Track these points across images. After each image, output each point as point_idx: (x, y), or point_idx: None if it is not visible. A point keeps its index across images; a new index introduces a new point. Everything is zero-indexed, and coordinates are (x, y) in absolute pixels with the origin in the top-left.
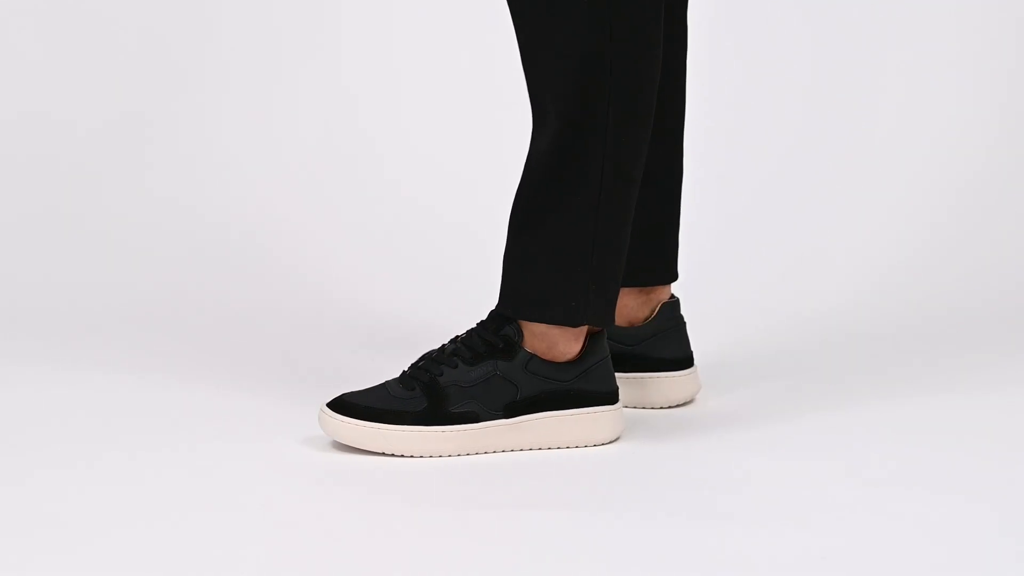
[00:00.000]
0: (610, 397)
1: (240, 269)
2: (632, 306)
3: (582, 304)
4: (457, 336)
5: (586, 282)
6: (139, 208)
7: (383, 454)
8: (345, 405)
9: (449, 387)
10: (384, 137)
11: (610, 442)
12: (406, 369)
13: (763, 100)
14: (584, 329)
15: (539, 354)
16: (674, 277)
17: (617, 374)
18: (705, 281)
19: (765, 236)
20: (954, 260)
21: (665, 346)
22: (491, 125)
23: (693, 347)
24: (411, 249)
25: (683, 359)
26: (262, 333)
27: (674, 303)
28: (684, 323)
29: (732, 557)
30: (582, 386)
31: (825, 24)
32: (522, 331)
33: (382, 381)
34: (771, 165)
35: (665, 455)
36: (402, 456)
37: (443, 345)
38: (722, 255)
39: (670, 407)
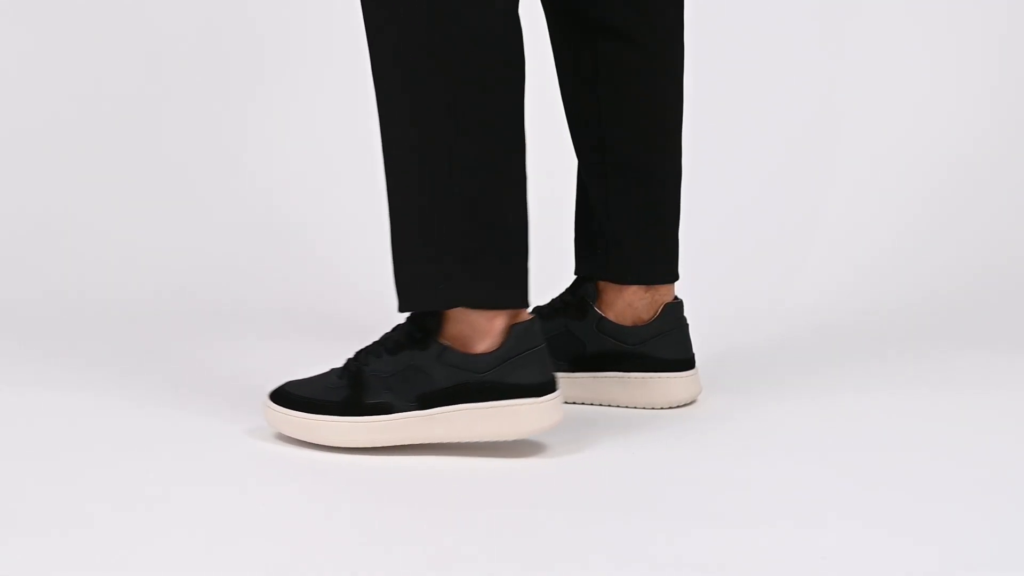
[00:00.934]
0: (535, 390)
1: (240, 270)
2: (638, 306)
3: (449, 287)
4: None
5: (452, 263)
6: (138, 207)
7: (311, 443)
8: (281, 394)
9: (370, 377)
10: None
11: (533, 437)
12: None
13: (754, 101)
14: (501, 320)
15: (455, 344)
16: (675, 277)
17: (619, 374)
18: (701, 282)
19: (762, 238)
20: (956, 259)
21: (667, 346)
22: None
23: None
24: None
25: (684, 360)
26: (269, 332)
27: (677, 304)
28: (687, 324)
29: (733, 557)
30: (501, 378)
31: (816, 24)
32: (441, 322)
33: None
34: (769, 165)
35: (664, 455)
36: (323, 446)
37: (385, 333)
38: (719, 256)
39: (670, 407)
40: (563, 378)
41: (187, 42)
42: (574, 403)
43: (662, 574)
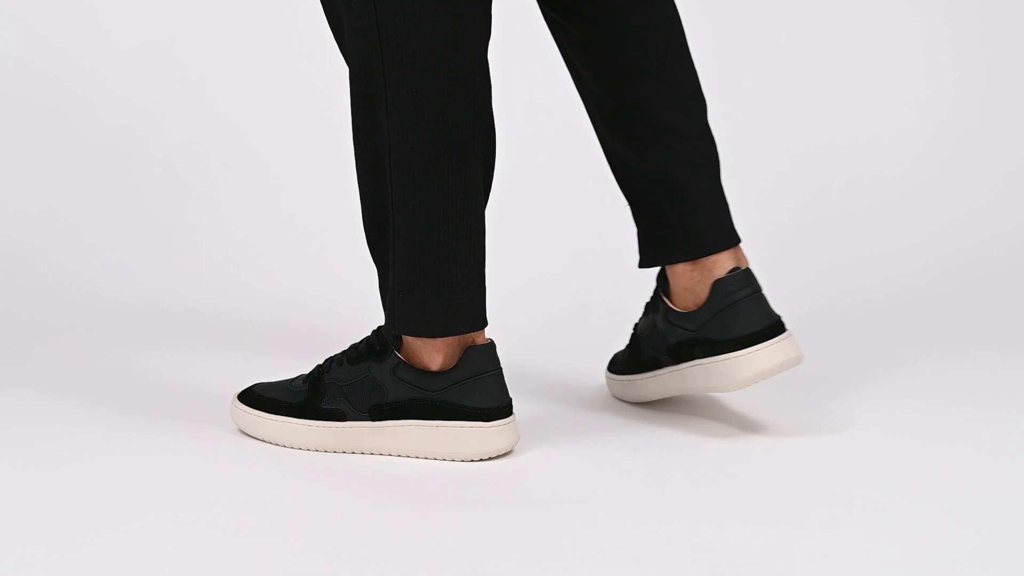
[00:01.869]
0: (484, 414)
1: (243, 269)
2: (692, 286)
3: (392, 313)
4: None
5: (395, 288)
6: (137, 211)
7: (267, 442)
8: (247, 393)
9: (330, 384)
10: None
11: (480, 460)
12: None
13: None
14: (449, 341)
15: (411, 360)
16: (716, 245)
17: (698, 361)
18: None
19: (767, 233)
20: (955, 261)
21: (723, 327)
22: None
23: None
24: None
25: (744, 337)
26: (269, 331)
27: (730, 279)
28: (746, 295)
29: (735, 555)
30: (452, 399)
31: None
32: (401, 337)
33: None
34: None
35: (667, 453)
36: (277, 444)
37: (354, 343)
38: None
39: (743, 388)
40: (662, 374)
41: (187, 41)
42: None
43: (662, 573)
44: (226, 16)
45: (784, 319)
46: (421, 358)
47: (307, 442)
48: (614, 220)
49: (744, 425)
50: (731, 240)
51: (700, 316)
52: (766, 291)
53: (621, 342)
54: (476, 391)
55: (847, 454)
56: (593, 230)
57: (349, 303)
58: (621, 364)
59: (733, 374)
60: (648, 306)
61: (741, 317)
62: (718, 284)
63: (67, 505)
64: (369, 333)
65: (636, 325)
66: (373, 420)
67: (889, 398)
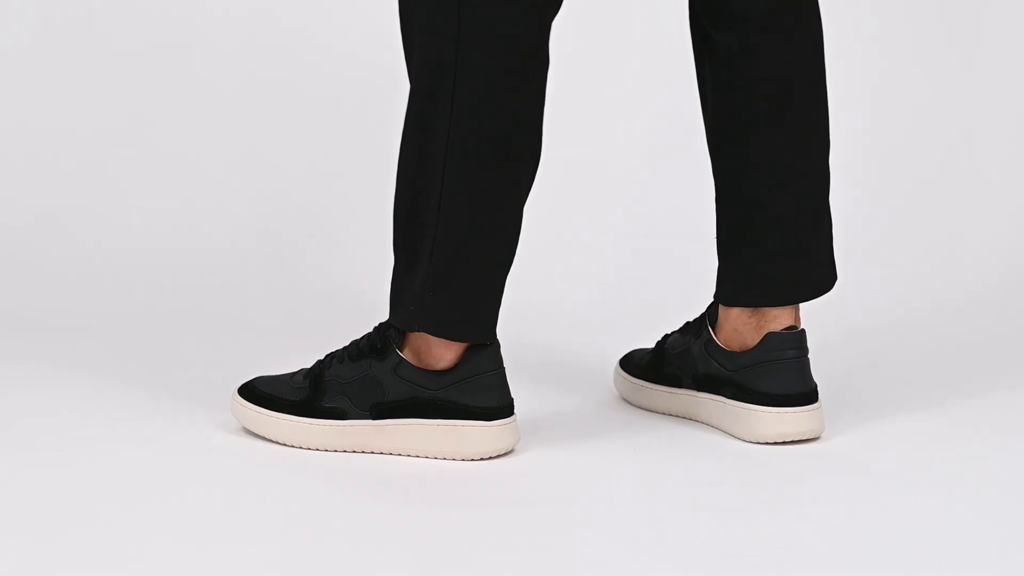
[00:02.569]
0: (485, 413)
1: (243, 269)
2: (743, 331)
3: (417, 310)
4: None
5: (424, 288)
6: (136, 209)
7: (267, 439)
8: (247, 388)
9: (330, 381)
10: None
11: (480, 459)
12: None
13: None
14: (461, 345)
15: (412, 360)
16: (782, 300)
17: (719, 398)
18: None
19: None
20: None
21: (761, 378)
22: None
23: None
24: None
25: (778, 396)
26: (268, 332)
27: (783, 335)
28: (795, 357)
29: (736, 554)
30: (454, 397)
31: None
32: (404, 334)
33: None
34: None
35: (668, 452)
36: (277, 443)
37: (355, 339)
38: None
39: (757, 443)
40: (679, 394)
41: (186, 40)
42: (691, 419)
43: (661, 572)
44: (226, 16)
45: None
46: (429, 356)
47: (308, 441)
48: (622, 225)
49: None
50: (814, 293)
51: (741, 360)
52: None
53: (621, 344)
54: (478, 390)
55: (847, 453)
56: (595, 230)
57: (350, 297)
58: (637, 367)
59: (753, 427)
60: (688, 327)
61: (781, 375)
62: (771, 337)
63: (67, 505)
64: (371, 329)
65: (667, 337)
66: (374, 419)
67: (890, 396)
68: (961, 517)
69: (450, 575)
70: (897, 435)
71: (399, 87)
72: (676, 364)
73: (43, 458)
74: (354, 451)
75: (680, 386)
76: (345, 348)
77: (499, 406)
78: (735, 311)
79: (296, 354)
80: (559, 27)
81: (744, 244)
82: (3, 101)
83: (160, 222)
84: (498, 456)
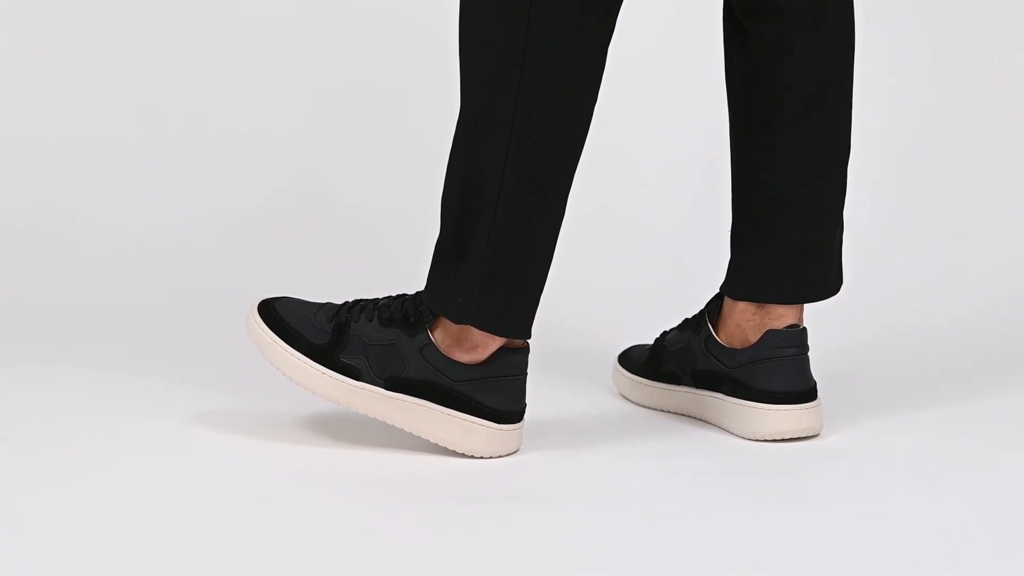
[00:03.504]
0: (497, 415)
1: (242, 266)
2: (746, 327)
3: (466, 302)
4: (403, 294)
5: (476, 281)
6: (135, 208)
7: (276, 368)
8: (267, 308)
9: (354, 337)
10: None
11: (480, 457)
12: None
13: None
14: (494, 339)
15: (443, 344)
16: (789, 298)
17: (718, 395)
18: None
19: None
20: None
21: (760, 375)
22: None
23: None
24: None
25: (778, 393)
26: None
27: (785, 333)
28: (796, 355)
29: (738, 551)
30: (471, 392)
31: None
32: (437, 316)
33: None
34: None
35: (669, 448)
36: (282, 374)
37: (388, 296)
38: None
39: (756, 440)
40: (678, 391)
41: (185, 40)
42: (693, 416)
43: (664, 570)
44: (226, 15)
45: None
46: (466, 345)
47: (316, 388)
48: (626, 220)
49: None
50: (823, 295)
51: (741, 357)
52: None
53: (622, 339)
54: (497, 390)
55: (848, 451)
56: (598, 226)
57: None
58: (636, 363)
59: (753, 424)
60: (687, 323)
61: (781, 372)
62: (772, 335)
63: (67, 505)
64: (406, 294)
65: (665, 334)
66: (387, 390)
67: (892, 394)
68: (962, 516)
69: (449, 574)
70: (898, 434)
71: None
72: (675, 361)
73: (43, 458)
74: (358, 412)
75: (679, 383)
76: (375, 304)
77: (512, 411)
78: (741, 306)
79: None
80: None
81: (762, 240)
82: (3, 101)
83: (161, 222)
84: (498, 457)
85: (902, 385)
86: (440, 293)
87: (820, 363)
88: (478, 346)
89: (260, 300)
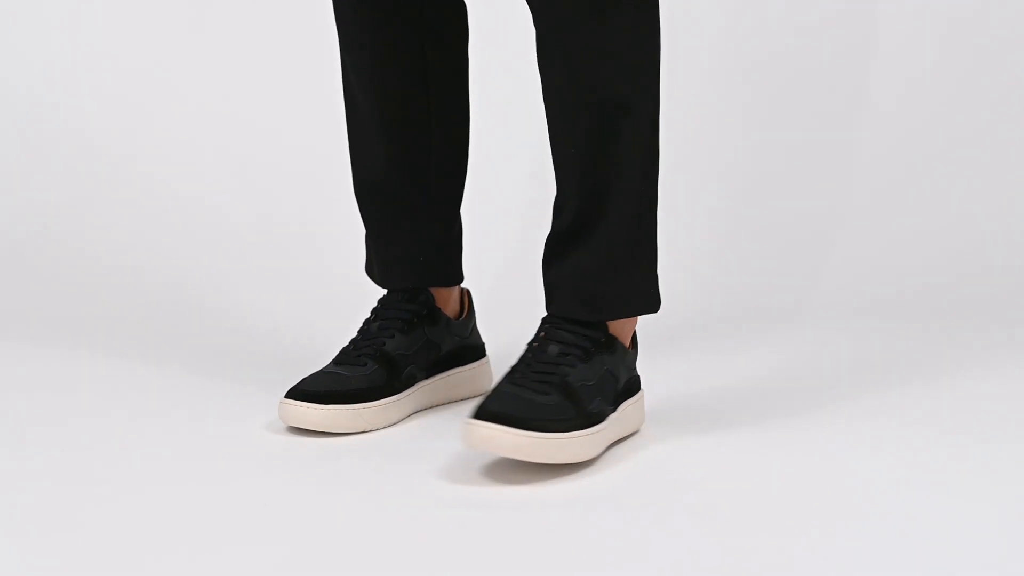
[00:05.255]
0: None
1: (243, 267)
2: (452, 300)
3: (650, 293)
4: (546, 336)
5: (651, 265)
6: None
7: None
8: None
9: (574, 389)
10: None
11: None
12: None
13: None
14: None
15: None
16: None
17: (463, 368)
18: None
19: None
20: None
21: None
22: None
23: (694, 349)
24: None
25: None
26: (269, 328)
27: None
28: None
29: (738, 555)
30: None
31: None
32: (623, 326)
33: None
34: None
35: (670, 451)
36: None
37: (543, 343)
38: (718, 259)
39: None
40: (424, 386)
41: (185, 40)
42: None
43: (660, 571)
44: (225, 16)
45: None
46: (627, 339)
47: (589, 453)
48: None
49: (745, 427)
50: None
51: (469, 323)
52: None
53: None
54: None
55: (845, 453)
56: None
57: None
58: None
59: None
60: (409, 325)
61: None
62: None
63: (66, 505)
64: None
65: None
66: (616, 411)
67: (891, 393)
68: (961, 517)
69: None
70: (898, 433)
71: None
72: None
73: (42, 460)
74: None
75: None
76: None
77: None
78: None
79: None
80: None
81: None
82: (3, 100)
83: (162, 222)
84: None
85: (894, 385)
86: (633, 297)
87: (818, 361)
88: (629, 331)
89: (481, 407)
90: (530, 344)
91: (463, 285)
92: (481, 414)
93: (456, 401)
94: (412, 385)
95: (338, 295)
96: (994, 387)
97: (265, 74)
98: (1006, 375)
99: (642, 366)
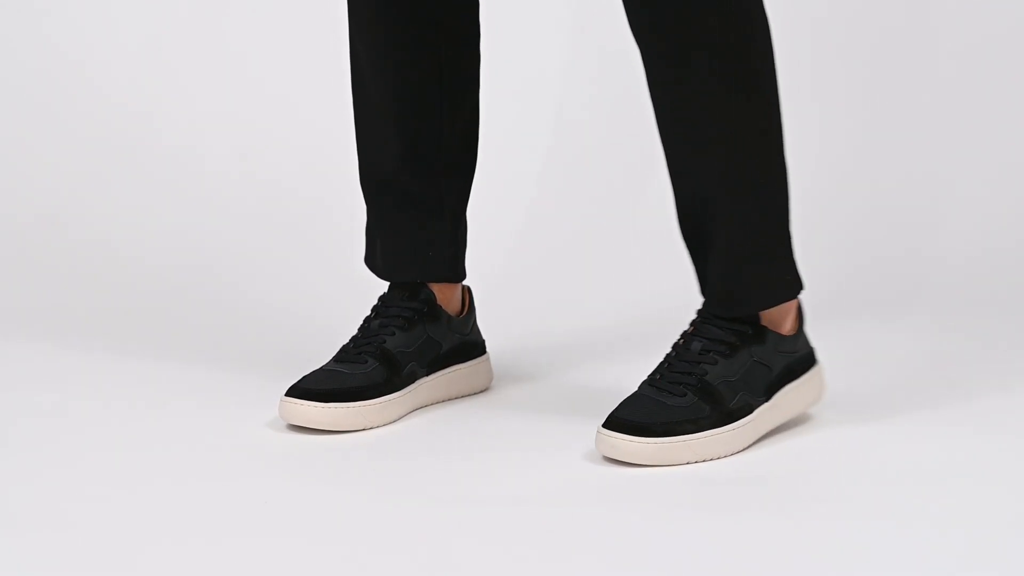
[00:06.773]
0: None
1: (244, 264)
2: (454, 298)
3: (790, 270)
4: (694, 332)
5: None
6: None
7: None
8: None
9: (715, 386)
10: None
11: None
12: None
13: None
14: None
15: (771, 326)
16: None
17: (463, 365)
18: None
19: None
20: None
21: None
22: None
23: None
24: None
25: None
26: (269, 328)
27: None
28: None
29: (739, 551)
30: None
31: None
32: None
33: None
34: None
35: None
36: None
37: (688, 340)
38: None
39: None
40: (424, 383)
41: (184, 37)
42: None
43: (660, 572)
44: (226, 14)
45: None
46: (782, 322)
47: (729, 449)
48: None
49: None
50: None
51: (469, 320)
52: None
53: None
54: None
55: (848, 449)
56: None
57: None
58: None
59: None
60: (410, 322)
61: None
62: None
63: (66, 505)
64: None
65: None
66: (768, 401)
67: (890, 393)
68: (962, 515)
69: (449, 574)
70: (897, 434)
71: None
72: None
73: (41, 457)
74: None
75: None
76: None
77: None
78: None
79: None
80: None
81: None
82: (3, 100)
83: (163, 221)
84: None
85: (899, 383)
86: (774, 288)
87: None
88: (787, 313)
89: (610, 415)
90: (679, 339)
91: (464, 282)
92: (609, 422)
93: (456, 398)
94: (412, 382)
95: (338, 293)
96: None
97: (266, 71)
98: None
99: None
